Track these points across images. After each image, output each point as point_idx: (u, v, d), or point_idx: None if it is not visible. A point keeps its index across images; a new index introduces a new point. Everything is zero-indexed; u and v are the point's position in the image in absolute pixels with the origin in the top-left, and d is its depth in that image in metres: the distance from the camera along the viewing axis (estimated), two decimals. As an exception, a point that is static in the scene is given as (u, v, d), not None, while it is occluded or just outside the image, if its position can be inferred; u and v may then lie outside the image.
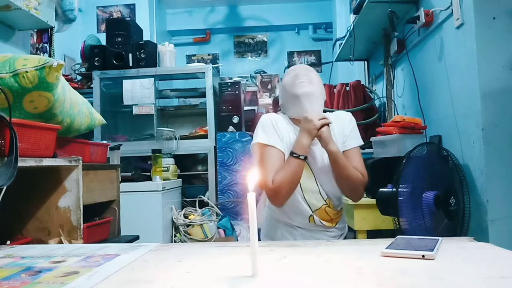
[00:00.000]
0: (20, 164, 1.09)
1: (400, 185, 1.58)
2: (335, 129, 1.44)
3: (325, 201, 1.42)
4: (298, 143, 1.34)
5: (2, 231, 1.39)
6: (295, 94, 1.40)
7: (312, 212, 1.41)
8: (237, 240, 3.04)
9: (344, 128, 1.46)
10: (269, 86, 5.18)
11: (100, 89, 3.55)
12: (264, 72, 5.21)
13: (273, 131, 1.40)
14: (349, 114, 1.52)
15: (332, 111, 1.59)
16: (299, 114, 1.39)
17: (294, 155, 1.32)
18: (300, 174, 1.35)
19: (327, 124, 1.35)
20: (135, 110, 3.52)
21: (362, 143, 1.48)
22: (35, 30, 2.80)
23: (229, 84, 3.67)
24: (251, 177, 0.65)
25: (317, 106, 1.41)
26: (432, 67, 2.18)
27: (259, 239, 1.46)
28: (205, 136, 3.49)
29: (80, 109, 1.60)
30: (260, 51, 5.37)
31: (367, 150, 2.63)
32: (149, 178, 3.13)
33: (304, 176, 1.38)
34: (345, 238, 1.53)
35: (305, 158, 1.34)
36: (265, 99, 5.13)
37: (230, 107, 3.53)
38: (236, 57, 5.38)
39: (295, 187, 1.37)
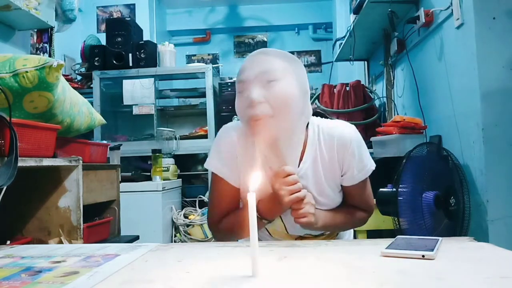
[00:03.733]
0: (20, 164, 1.09)
1: (400, 185, 1.58)
2: (325, 153, 1.00)
3: (299, 236, 1.08)
4: (267, 206, 0.96)
5: (2, 231, 1.39)
6: (251, 134, 0.94)
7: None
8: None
9: (339, 154, 1.00)
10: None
11: (100, 89, 3.55)
12: (264, 72, 5.20)
13: (230, 158, 1.02)
14: (351, 131, 1.01)
15: (331, 117, 1.14)
16: (261, 162, 0.96)
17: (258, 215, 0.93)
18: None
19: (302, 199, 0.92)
20: (135, 110, 3.53)
21: (372, 169, 1.03)
22: (35, 30, 2.80)
23: (229, 84, 3.67)
24: (251, 178, 0.65)
25: (289, 151, 0.95)
26: (432, 67, 2.18)
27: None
28: (205, 136, 3.49)
29: (80, 109, 1.60)
30: (260, 51, 5.37)
31: (367, 150, 2.63)
32: (149, 178, 3.13)
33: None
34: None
35: (270, 221, 1.00)
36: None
37: (230, 107, 3.53)
38: (236, 57, 5.38)
39: (239, 238, 1.07)
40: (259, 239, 1.09)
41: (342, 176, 1.02)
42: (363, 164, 1.01)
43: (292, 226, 1.02)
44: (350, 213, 1.05)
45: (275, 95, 0.89)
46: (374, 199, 1.14)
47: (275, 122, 0.89)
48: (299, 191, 0.92)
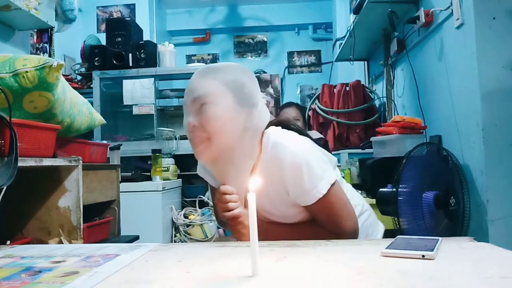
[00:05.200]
0: (20, 164, 1.09)
1: (400, 185, 1.59)
2: (271, 170, 0.93)
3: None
4: (219, 212, 1.01)
5: (2, 231, 1.39)
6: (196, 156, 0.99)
7: None
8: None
9: (283, 175, 0.92)
10: (269, 87, 5.18)
11: (100, 89, 3.55)
12: (264, 72, 5.21)
13: (203, 166, 1.13)
14: (294, 153, 0.91)
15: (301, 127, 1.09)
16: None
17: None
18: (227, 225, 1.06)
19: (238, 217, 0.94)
20: (135, 110, 3.53)
21: (319, 195, 0.90)
22: (35, 30, 2.81)
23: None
24: (251, 178, 0.65)
25: (233, 169, 0.95)
26: (432, 67, 2.18)
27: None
28: (205, 136, 3.48)
29: (80, 109, 1.60)
30: (260, 51, 5.37)
31: (367, 150, 2.63)
32: (149, 178, 3.13)
33: None
34: None
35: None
36: (264, 99, 5.12)
37: (230, 107, 3.53)
38: (236, 57, 5.38)
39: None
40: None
41: (289, 195, 0.94)
42: (303, 190, 0.91)
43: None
44: (313, 229, 0.97)
45: (207, 119, 0.91)
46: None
47: (210, 145, 0.92)
48: (232, 209, 0.94)
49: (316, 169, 0.91)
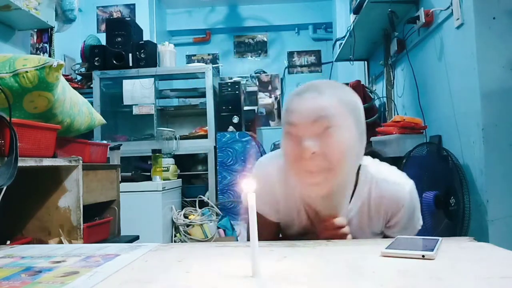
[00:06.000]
0: (20, 164, 1.09)
1: (400, 185, 1.58)
2: (372, 208, 0.90)
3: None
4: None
5: (2, 231, 1.39)
6: (304, 192, 0.87)
7: None
8: (237, 240, 3.04)
9: (387, 213, 0.90)
10: (270, 87, 5.18)
11: (100, 89, 3.55)
12: (264, 72, 5.21)
13: (268, 195, 0.95)
14: (405, 193, 0.88)
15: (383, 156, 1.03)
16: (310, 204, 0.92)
17: None
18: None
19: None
20: (135, 110, 3.52)
21: (418, 228, 0.95)
22: (35, 30, 2.80)
23: (229, 84, 3.67)
24: (250, 181, 0.65)
25: (341, 200, 0.88)
26: (432, 67, 2.18)
27: None
28: (205, 136, 3.49)
29: (80, 109, 1.60)
30: (260, 51, 5.37)
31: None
32: (149, 178, 3.13)
33: None
34: None
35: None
36: (265, 99, 5.13)
37: (230, 107, 3.53)
38: (236, 57, 5.38)
39: None
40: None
41: (386, 227, 0.93)
42: (411, 225, 0.92)
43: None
44: None
45: (333, 146, 0.77)
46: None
47: (331, 175, 0.79)
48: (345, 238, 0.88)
49: (418, 209, 0.92)
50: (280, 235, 1.05)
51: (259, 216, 0.92)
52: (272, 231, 1.00)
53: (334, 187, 0.81)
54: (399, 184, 0.88)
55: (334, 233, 0.86)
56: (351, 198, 0.90)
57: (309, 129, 0.78)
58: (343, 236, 0.87)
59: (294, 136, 0.80)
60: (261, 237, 0.92)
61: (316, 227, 0.90)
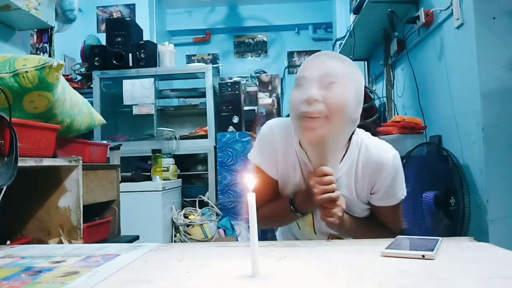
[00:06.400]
0: (20, 164, 1.09)
1: (400, 185, 1.58)
2: (360, 170, 1.01)
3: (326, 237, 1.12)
4: (301, 200, 1.02)
5: (2, 231, 1.39)
6: (301, 136, 0.97)
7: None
8: (237, 240, 3.04)
9: (372, 176, 1.00)
10: (270, 87, 5.18)
11: (100, 89, 3.55)
12: (264, 72, 5.20)
13: (270, 152, 1.07)
14: (389, 158, 0.99)
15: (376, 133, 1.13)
16: (304, 158, 1.03)
17: (292, 208, 1.04)
18: (287, 222, 1.12)
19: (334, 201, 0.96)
20: (135, 110, 3.52)
21: (401, 198, 1.02)
22: (35, 30, 2.80)
23: (229, 84, 3.67)
24: (251, 178, 0.65)
25: (331, 153, 0.96)
26: (432, 67, 2.18)
27: (276, 238, 1.27)
28: (205, 136, 3.49)
29: (80, 109, 1.60)
30: (260, 51, 5.37)
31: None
32: (149, 178, 3.13)
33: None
34: None
35: (302, 215, 1.06)
36: (265, 99, 5.13)
37: (230, 107, 3.53)
38: (236, 57, 5.38)
39: (275, 226, 1.23)
40: (289, 233, 1.16)
41: (370, 194, 1.03)
42: (392, 191, 1.01)
43: (318, 222, 1.06)
44: (379, 227, 1.06)
45: (333, 97, 0.90)
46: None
47: (327, 123, 0.90)
48: (333, 191, 0.95)
49: (401, 177, 1.02)
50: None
51: (262, 174, 1.09)
52: (271, 189, 1.10)
53: (327, 136, 0.92)
54: (383, 150, 1.01)
55: (322, 184, 0.94)
56: (342, 159, 1.01)
57: (316, 82, 0.92)
58: (331, 190, 0.94)
59: (303, 87, 0.94)
60: (260, 194, 0.97)
61: (308, 182, 0.98)
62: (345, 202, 0.98)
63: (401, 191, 1.02)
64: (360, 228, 1.04)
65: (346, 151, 1.01)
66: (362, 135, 1.05)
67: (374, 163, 0.99)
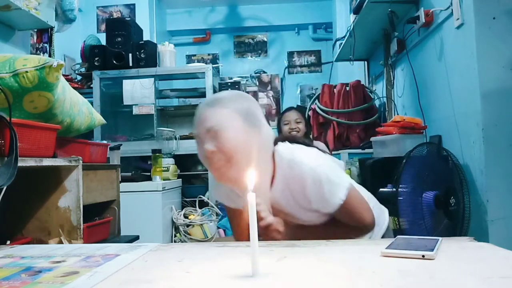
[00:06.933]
0: (20, 164, 1.09)
1: (400, 185, 1.59)
2: (291, 186, 1.02)
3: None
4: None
5: (2, 231, 1.39)
6: (217, 180, 1.05)
7: None
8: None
9: (301, 190, 1.00)
10: (269, 87, 5.18)
11: (100, 89, 3.55)
12: (264, 72, 5.21)
13: (223, 191, 1.17)
14: (310, 168, 0.98)
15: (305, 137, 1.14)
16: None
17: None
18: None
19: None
20: (135, 110, 3.52)
21: (339, 202, 0.98)
22: (35, 30, 2.80)
23: (229, 84, 3.67)
24: (250, 177, 0.65)
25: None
26: (432, 67, 2.18)
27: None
28: (205, 136, 3.48)
29: (80, 109, 1.60)
30: (260, 51, 5.37)
31: (367, 150, 2.63)
32: (149, 178, 3.13)
33: None
34: None
35: None
36: (265, 99, 5.13)
37: (230, 107, 3.52)
38: (236, 57, 5.38)
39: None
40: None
41: (312, 205, 1.02)
42: (324, 199, 0.99)
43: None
44: (339, 227, 1.05)
45: (223, 144, 0.95)
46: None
47: (231, 165, 0.96)
48: (264, 218, 0.99)
49: (334, 179, 0.99)
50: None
51: (227, 210, 1.16)
52: (242, 218, 1.12)
53: (237, 173, 0.96)
54: (302, 163, 0.99)
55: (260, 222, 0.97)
56: (274, 179, 1.03)
57: (204, 136, 0.98)
58: (259, 215, 0.97)
59: (200, 144, 1.01)
60: (237, 228, 1.06)
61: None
62: (281, 223, 1.01)
63: (335, 197, 0.98)
64: (315, 233, 1.01)
65: (275, 170, 1.03)
66: (280, 151, 1.04)
67: (297, 177, 0.99)
